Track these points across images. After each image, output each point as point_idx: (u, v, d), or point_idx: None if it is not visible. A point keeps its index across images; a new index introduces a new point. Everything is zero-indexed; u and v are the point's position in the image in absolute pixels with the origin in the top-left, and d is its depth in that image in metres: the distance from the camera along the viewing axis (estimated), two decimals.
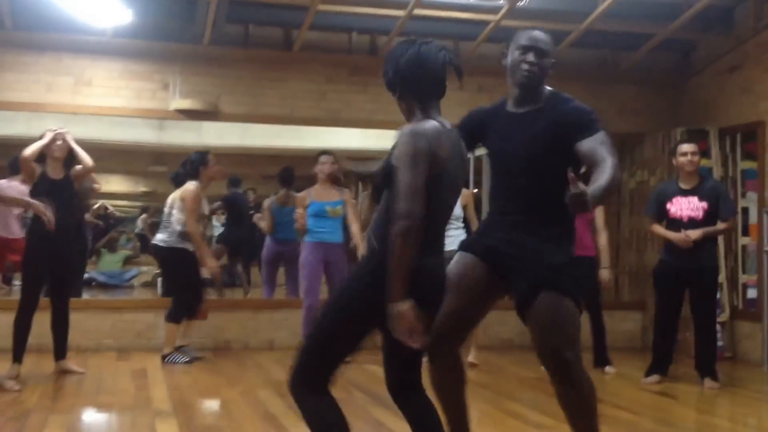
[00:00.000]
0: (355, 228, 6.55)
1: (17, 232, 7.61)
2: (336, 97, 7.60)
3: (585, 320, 6.26)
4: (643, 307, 8.04)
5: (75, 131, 6.02)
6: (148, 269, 12.47)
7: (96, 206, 12.62)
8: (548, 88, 3.11)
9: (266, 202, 8.29)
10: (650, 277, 7.82)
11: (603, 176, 2.78)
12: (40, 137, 5.71)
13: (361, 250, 5.97)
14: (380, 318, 2.54)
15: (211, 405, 4.86)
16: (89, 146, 6.00)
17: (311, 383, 2.61)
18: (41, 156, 5.67)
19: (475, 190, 6.95)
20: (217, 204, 10.14)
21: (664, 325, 5.90)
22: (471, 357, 6.42)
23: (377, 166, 2.75)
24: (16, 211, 7.50)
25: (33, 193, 5.71)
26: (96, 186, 7.73)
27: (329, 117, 7.62)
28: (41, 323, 5.74)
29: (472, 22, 7.25)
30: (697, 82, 8.02)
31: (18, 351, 5.55)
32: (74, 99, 7.08)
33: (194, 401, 5.02)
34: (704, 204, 5.69)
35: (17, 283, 7.60)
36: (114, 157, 11.39)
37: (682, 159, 5.79)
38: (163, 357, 6.32)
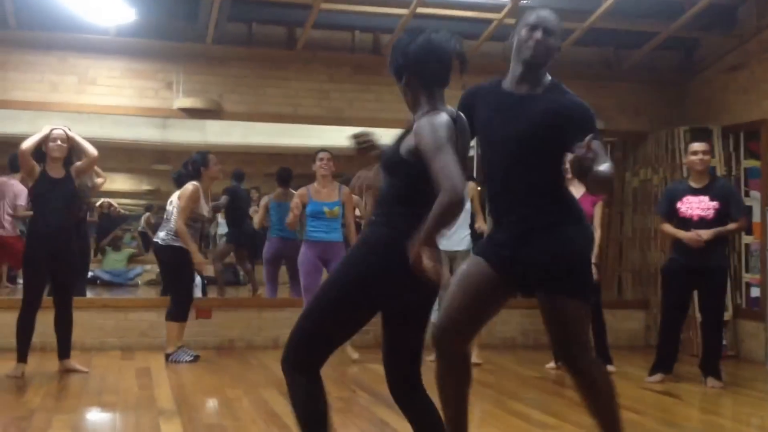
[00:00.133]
0: (350, 229, 6.67)
1: (10, 230, 7.65)
2: (339, 95, 7.61)
3: None
4: (646, 306, 8.04)
5: (79, 130, 6.04)
6: (152, 267, 12.46)
7: (98, 203, 12.63)
8: (550, 77, 3.10)
9: (264, 199, 8.33)
10: (654, 276, 7.88)
11: (605, 165, 2.83)
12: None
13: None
14: (381, 302, 2.58)
15: (215, 404, 4.87)
16: (93, 144, 5.99)
17: (303, 363, 2.64)
18: (41, 155, 5.67)
19: (479, 188, 6.94)
20: (224, 199, 10.14)
21: (670, 324, 5.89)
22: (474, 356, 6.42)
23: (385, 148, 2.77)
24: (10, 209, 7.55)
25: (33, 192, 5.72)
26: (100, 180, 7.74)
27: (332, 115, 7.63)
28: (45, 322, 5.76)
29: (475, 21, 7.25)
30: (701, 80, 8.01)
31: (22, 350, 5.57)
32: (78, 98, 7.10)
33: (198, 400, 5.03)
34: (715, 203, 5.69)
35: (21, 281, 7.62)
36: (118, 155, 11.40)
37: (692, 158, 5.79)
38: (167, 356, 6.34)
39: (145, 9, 6.87)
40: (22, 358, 5.57)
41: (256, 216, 8.33)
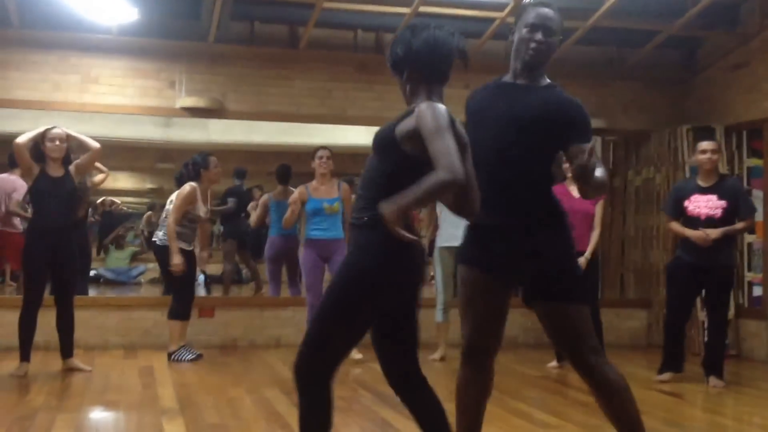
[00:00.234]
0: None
1: (16, 225, 7.67)
2: (341, 94, 7.62)
3: None
4: (648, 305, 8.04)
5: (82, 129, 6.05)
6: (155, 266, 12.48)
7: (99, 201, 12.63)
8: (548, 79, 3.05)
9: (263, 198, 8.33)
10: (656, 275, 7.88)
11: (600, 170, 2.83)
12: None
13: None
14: (381, 304, 2.61)
15: (218, 403, 4.87)
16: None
17: (313, 373, 2.65)
18: (41, 155, 5.68)
19: None
20: (231, 202, 10.16)
21: (675, 322, 5.88)
22: None
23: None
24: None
25: (32, 191, 5.73)
26: (99, 177, 7.74)
27: (335, 114, 7.64)
28: (48, 321, 5.78)
29: (478, 19, 7.24)
30: (703, 79, 8.00)
31: (25, 349, 5.59)
32: (81, 97, 7.11)
33: (201, 399, 5.04)
34: (723, 203, 5.67)
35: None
36: (121, 154, 11.40)
37: (701, 157, 5.78)
38: (169, 355, 6.35)
39: (147, 8, 6.88)
40: (25, 357, 5.59)
41: (254, 213, 8.32)
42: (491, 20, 7.17)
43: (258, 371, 6.11)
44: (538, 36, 2.95)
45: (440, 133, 2.50)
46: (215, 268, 11.59)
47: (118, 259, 12.99)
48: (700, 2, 6.85)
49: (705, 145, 5.80)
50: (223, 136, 10.17)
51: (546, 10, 3.00)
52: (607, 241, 8.25)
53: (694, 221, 5.74)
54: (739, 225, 5.75)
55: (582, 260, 6.19)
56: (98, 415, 4.77)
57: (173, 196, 6.60)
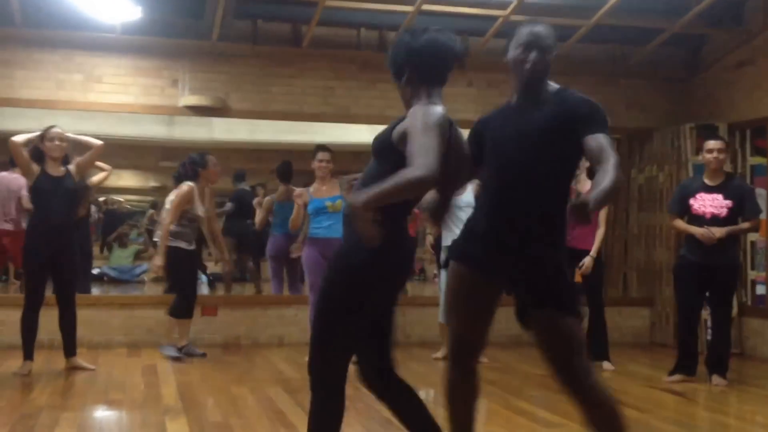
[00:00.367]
0: None
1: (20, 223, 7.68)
2: (344, 92, 7.61)
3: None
4: (651, 304, 8.04)
5: (85, 127, 6.06)
6: None
7: (103, 199, 12.65)
8: (554, 84, 3.03)
9: (266, 200, 8.32)
10: (659, 274, 7.88)
11: (606, 177, 2.74)
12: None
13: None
14: (379, 294, 2.66)
15: (221, 401, 4.88)
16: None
17: (323, 378, 2.68)
18: (41, 155, 5.68)
19: None
20: (229, 206, 10.16)
21: (688, 324, 5.83)
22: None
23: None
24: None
25: (33, 190, 5.73)
26: (98, 177, 7.73)
27: (338, 113, 7.64)
28: (51, 320, 5.79)
29: (481, 18, 7.24)
30: (707, 77, 7.99)
31: (28, 348, 5.60)
32: (84, 96, 7.12)
33: (204, 398, 5.05)
34: (729, 202, 5.64)
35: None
36: (124, 152, 11.43)
37: (708, 156, 5.76)
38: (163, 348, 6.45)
39: (150, 7, 6.88)
40: (28, 355, 5.60)
41: (258, 216, 8.32)
42: (494, 18, 7.16)
43: (261, 370, 6.12)
44: (533, 55, 2.92)
45: (425, 130, 2.52)
46: (216, 267, 11.59)
47: (122, 257, 13.01)
48: (704, 0, 6.84)
49: (712, 144, 5.78)
50: (226, 135, 10.19)
51: (539, 28, 2.97)
52: (610, 239, 8.23)
53: (698, 220, 5.72)
54: (745, 225, 5.74)
55: (588, 260, 6.19)
56: (101, 413, 4.78)
57: (171, 195, 6.58)
